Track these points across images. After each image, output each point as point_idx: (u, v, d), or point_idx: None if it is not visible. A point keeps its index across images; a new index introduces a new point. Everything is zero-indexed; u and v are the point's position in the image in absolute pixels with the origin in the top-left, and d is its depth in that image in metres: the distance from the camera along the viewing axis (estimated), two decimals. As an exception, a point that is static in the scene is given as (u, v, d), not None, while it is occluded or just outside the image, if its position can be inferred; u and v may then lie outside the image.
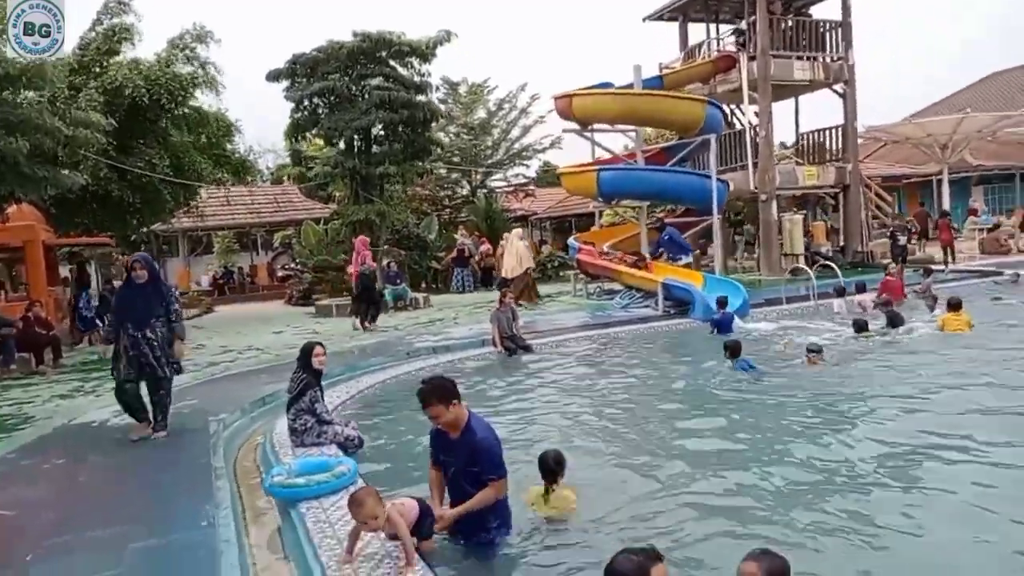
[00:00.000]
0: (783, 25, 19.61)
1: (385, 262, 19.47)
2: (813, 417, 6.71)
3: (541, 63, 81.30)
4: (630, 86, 17.92)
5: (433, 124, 24.32)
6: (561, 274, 22.87)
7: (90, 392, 9.65)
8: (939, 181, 23.19)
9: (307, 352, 6.50)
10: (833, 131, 21.01)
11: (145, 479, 5.65)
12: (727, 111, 20.28)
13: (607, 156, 19.24)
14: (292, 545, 4.42)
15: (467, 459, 4.23)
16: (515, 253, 17.04)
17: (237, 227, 30.36)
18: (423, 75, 22.93)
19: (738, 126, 21.12)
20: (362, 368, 9.93)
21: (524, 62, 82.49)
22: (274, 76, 22.49)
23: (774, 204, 19.00)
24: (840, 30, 20.13)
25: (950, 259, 18.26)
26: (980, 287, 14.87)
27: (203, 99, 17.88)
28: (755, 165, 18.97)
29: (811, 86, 20.39)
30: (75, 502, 5.27)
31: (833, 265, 15.16)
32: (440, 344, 11.45)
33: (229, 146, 20.31)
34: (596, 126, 18.17)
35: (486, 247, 23.66)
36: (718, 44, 21.76)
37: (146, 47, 32.15)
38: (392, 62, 22.58)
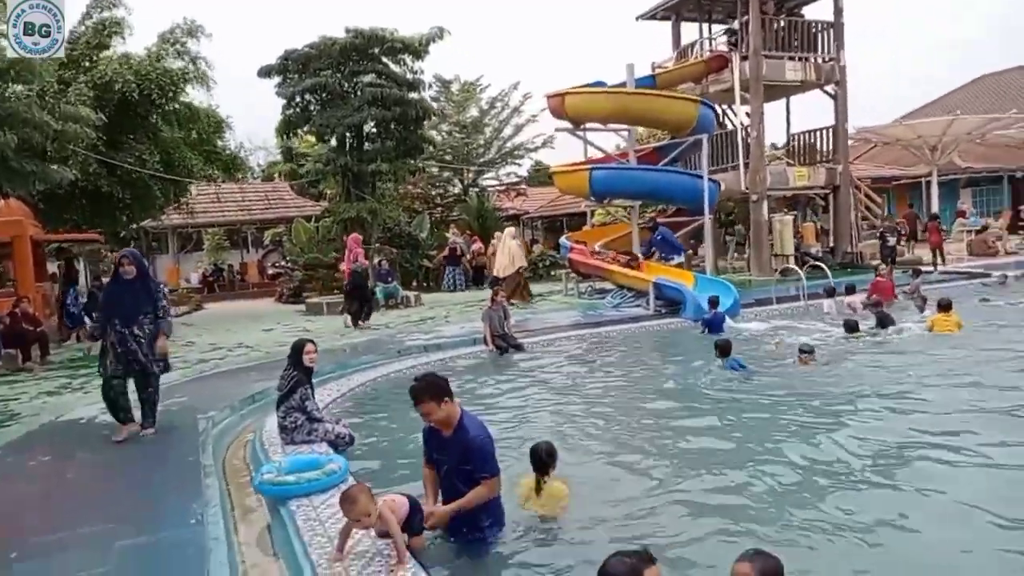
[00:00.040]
0: (775, 25, 19.69)
1: (376, 260, 19.42)
2: (804, 416, 6.73)
3: (534, 62, 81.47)
4: (623, 85, 17.94)
5: (425, 122, 24.26)
6: (552, 273, 22.87)
7: (78, 389, 9.57)
8: (928, 183, 23.36)
9: (298, 349, 6.46)
10: (824, 132, 21.11)
11: (133, 477, 5.61)
12: (719, 111, 20.33)
13: (599, 155, 19.25)
14: (282, 543, 4.39)
15: (460, 457, 4.21)
16: (507, 252, 17.02)
17: (227, 224, 30.19)
18: (416, 72, 22.87)
19: (730, 126, 21.19)
20: (353, 366, 9.90)
21: (517, 61, 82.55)
22: (266, 72, 22.36)
23: (765, 204, 19.07)
24: (832, 31, 20.21)
25: (939, 261, 18.38)
26: (968, 289, 14.96)
27: (193, 94, 17.79)
28: (746, 165, 19.03)
29: (803, 87, 20.47)
30: (62, 500, 5.22)
31: (823, 266, 15.23)
32: (431, 342, 11.42)
33: (220, 142, 20.19)
34: (588, 125, 18.17)
35: (478, 246, 23.64)
36: (711, 44, 21.83)
37: (136, 41, 32.01)
38: (385, 59, 22.50)
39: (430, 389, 4.19)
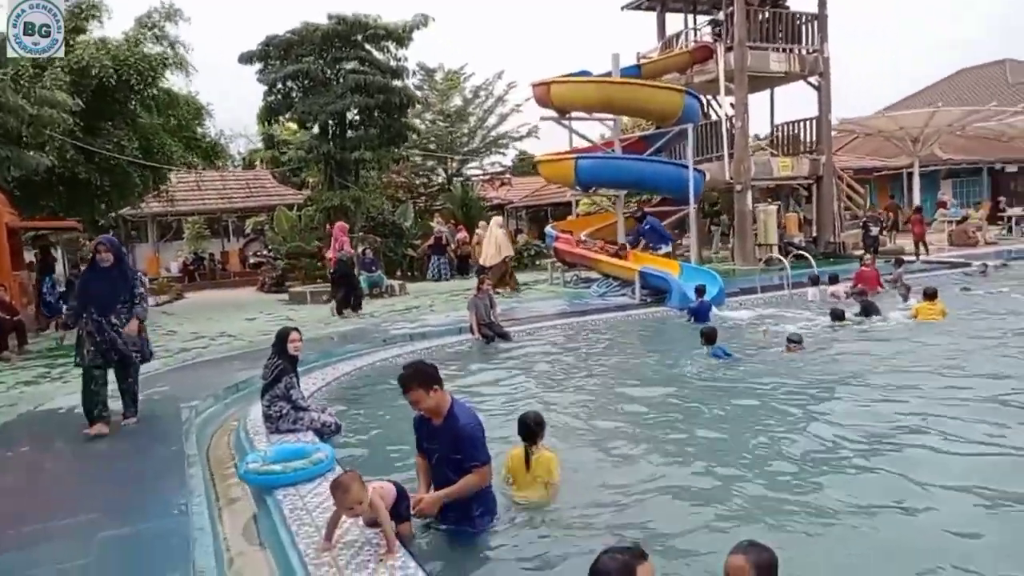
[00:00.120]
0: (760, 16, 19.67)
1: (360, 249, 19.25)
2: (792, 404, 6.75)
3: (518, 51, 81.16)
4: (608, 75, 17.87)
5: (409, 110, 24.06)
6: (538, 263, 22.82)
7: (56, 378, 9.39)
8: (909, 174, 23.55)
9: (282, 338, 6.38)
10: (807, 123, 21.19)
11: (115, 467, 5.50)
12: (704, 102, 20.33)
13: (585, 144, 19.19)
14: (268, 533, 4.33)
15: (450, 446, 4.16)
16: (494, 241, 16.94)
17: (208, 213, 29.81)
18: (399, 60, 22.65)
19: (714, 117, 21.21)
20: (338, 355, 9.81)
21: (501, 49, 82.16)
22: (247, 58, 22.04)
23: (749, 195, 19.13)
24: (816, 23, 20.25)
25: (922, 251, 18.56)
26: (950, 278, 15.12)
27: (173, 79, 17.49)
28: (731, 156, 19.06)
29: (786, 78, 20.50)
30: (41, 491, 5.12)
31: (807, 255, 15.32)
32: (417, 331, 11.34)
33: (200, 129, 19.89)
34: (574, 114, 18.10)
35: (462, 235, 23.52)
36: (695, 34, 21.81)
37: (114, 25, 31.40)
38: (368, 46, 22.25)
39: (419, 377, 4.13)
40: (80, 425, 6.32)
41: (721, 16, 20.27)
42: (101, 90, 15.65)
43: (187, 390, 7.78)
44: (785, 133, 22.07)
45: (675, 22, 22.57)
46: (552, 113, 17.88)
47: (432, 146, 31.47)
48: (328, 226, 21.72)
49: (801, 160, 20.44)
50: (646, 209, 18.62)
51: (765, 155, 21.07)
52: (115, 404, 6.53)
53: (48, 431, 6.71)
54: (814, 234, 21.10)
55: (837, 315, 10.28)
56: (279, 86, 22.19)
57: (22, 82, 12.70)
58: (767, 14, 19.87)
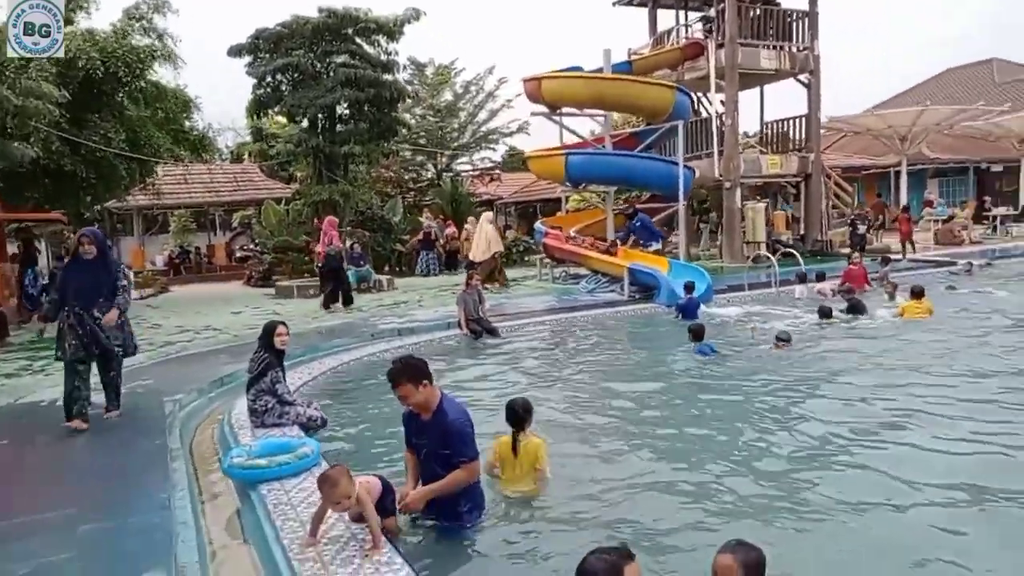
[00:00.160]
0: (751, 14, 19.71)
1: (349, 243, 19.15)
2: (779, 401, 6.76)
3: (509, 46, 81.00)
4: (599, 71, 17.86)
5: (399, 104, 23.96)
6: (527, 259, 22.79)
7: (38, 371, 9.28)
8: (896, 173, 23.68)
9: (269, 331, 6.31)
10: (797, 121, 21.26)
11: (97, 460, 5.44)
12: (694, 98, 20.35)
13: (575, 141, 19.17)
14: (252, 528, 4.28)
15: (439, 441, 4.12)
16: (484, 236, 16.87)
17: (194, 206, 29.56)
18: (390, 54, 22.55)
19: (704, 114, 21.23)
20: (324, 349, 9.75)
21: (492, 45, 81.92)
22: (236, 51, 21.88)
23: (738, 192, 19.17)
24: (807, 20, 20.31)
25: (910, 250, 18.68)
26: (935, 277, 15.21)
27: (161, 72, 17.29)
28: (720, 153, 19.09)
29: (777, 75, 20.55)
30: (22, 484, 5.05)
31: (795, 253, 15.38)
32: (405, 326, 11.29)
33: (188, 122, 19.70)
34: (564, 110, 18.08)
35: (451, 230, 23.45)
36: (687, 31, 21.82)
37: (102, 17, 31.09)
38: (358, 39, 22.14)
39: (408, 371, 4.09)
40: (61, 421, 6.22)
41: (712, 13, 20.28)
42: (88, 82, 15.45)
43: (171, 384, 7.70)
44: (774, 131, 22.13)
45: (667, 18, 22.63)
46: (543, 109, 17.85)
47: (422, 141, 31.39)
48: (316, 220, 21.59)
49: (790, 158, 20.51)
50: (637, 206, 18.63)
51: (754, 153, 21.12)
52: (98, 397, 6.46)
53: (30, 424, 6.62)
54: (802, 232, 21.19)
55: (825, 313, 10.33)
56: (268, 79, 22.06)
57: (7, 73, 12.50)
58: (758, 11, 19.91)
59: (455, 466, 4.10)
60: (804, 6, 20.50)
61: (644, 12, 22.85)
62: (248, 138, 35.58)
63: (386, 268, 22.38)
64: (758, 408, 6.56)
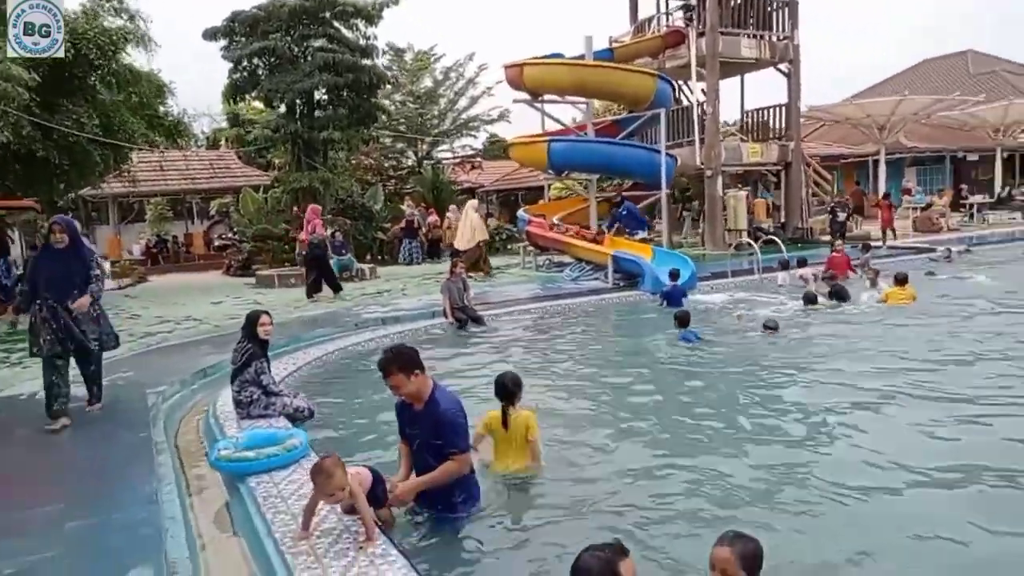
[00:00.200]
0: (732, 2, 19.70)
1: (330, 232, 18.95)
2: (768, 387, 6.80)
3: (488, 32, 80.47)
4: (580, 58, 17.77)
5: (379, 90, 23.70)
6: (509, 247, 22.72)
7: (15, 364, 9.06)
8: (875, 162, 23.90)
9: (252, 321, 6.19)
10: (777, 109, 21.34)
11: (80, 455, 5.33)
12: (675, 86, 20.34)
13: (557, 128, 19.08)
14: (242, 521, 4.21)
15: (431, 432, 4.07)
16: (469, 225, 16.76)
17: (171, 194, 29.08)
18: (368, 38, 22.27)
19: (685, 102, 21.23)
20: (308, 339, 9.63)
21: (471, 31, 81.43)
22: (211, 34, 21.48)
23: (719, 180, 19.23)
24: (787, 9, 20.34)
25: (890, 237, 18.89)
26: (915, 263, 15.39)
27: (133, 55, 16.92)
28: (702, 141, 19.12)
29: (757, 64, 20.59)
30: (3, 481, 4.91)
31: (778, 240, 15.47)
32: (389, 315, 11.20)
33: (162, 108, 19.32)
34: (546, 97, 17.98)
35: (434, 218, 23.32)
36: (667, 19, 21.76)
37: (71, -1, 30.31)
38: (336, 23, 21.85)
39: (399, 361, 4.02)
40: (41, 416, 6.03)
41: (693, 1, 20.23)
42: (58, 64, 15.04)
43: (153, 375, 7.57)
44: (755, 119, 22.21)
45: (648, 6, 22.53)
46: (525, 96, 17.74)
47: (402, 128, 31.12)
48: (296, 208, 21.35)
49: (770, 146, 20.60)
50: (623, 194, 18.62)
51: (735, 141, 21.18)
52: (79, 390, 6.31)
53: (8, 418, 6.47)
54: (782, 220, 21.33)
55: (810, 299, 10.41)
56: (245, 63, 21.70)
57: (-26, 55, 12.16)
58: (739, 0, 19.90)
59: (447, 457, 4.05)
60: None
61: (625, 0, 22.75)
62: (224, 124, 35.07)
63: (368, 257, 22.20)
64: (748, 395, 6.58)
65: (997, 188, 26.23)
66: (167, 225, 30.84)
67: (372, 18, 21.73)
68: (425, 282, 15.78)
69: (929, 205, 23.73)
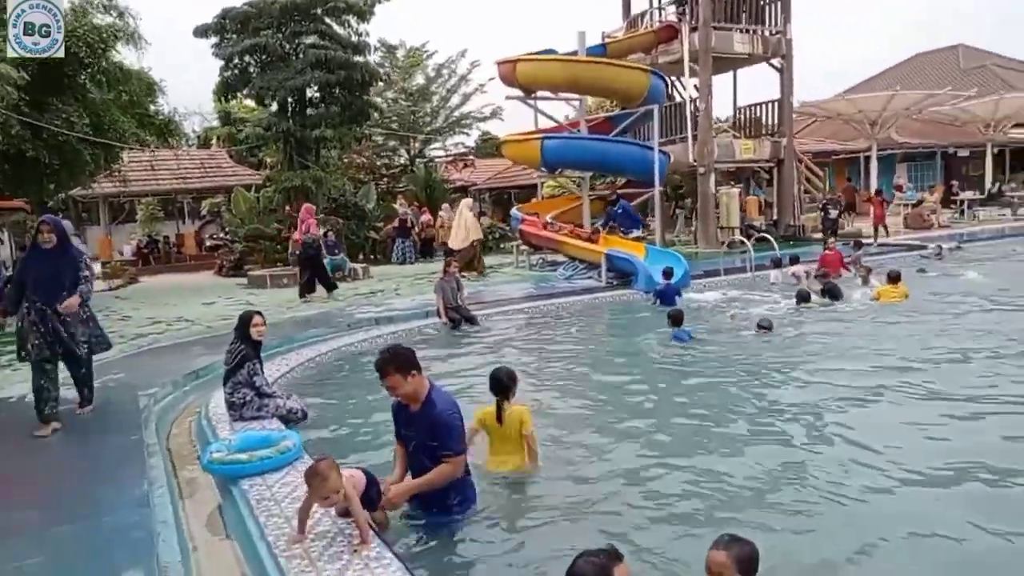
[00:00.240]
0: (724, -3, 19.69)
1: (322, 231, 18.87)
2: (762, 387, 6.79)
3: (480, 29, 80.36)
4: (573, 54, 17.73)
5: (371, 87, 23.59)
6: (502, 246, 22.68)
7: (6, 366, 8.97)
8: (867, 158, 23.94)
9: (245, 322, 6.16)
10: (769, 105, 21.35)
11: (70, 458, 5.28)
12: (668, 82, 20.33)
13: (550, 125, 19.05)
14: (235, 524, 4.18)
15: (426, 433, 4.03)
16: (463, 224, 16.69)
17: (162, 193, 28.91)
18: (360, 35, 22.15)
19: (678, 98, 21.23)
20: (301, 340, 9.58)
21: (463, 27, 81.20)
22: (202, 31, 21.33)
23: (712, 177, 19.24)
24: (779, 3, 20.34)
25: (882, 233, 18.93)
26: (906, 260, 15.43)
27: (124, 52, 16.80)
28: (695, 137, 19.11)
29: (750, 59, 20.59)
30: (-9, 484, 4.86)
31: (770, 238, 15.49)
32: (383, 315, 11.15)
33: (153, 107, 19.19)
34: (539, 94, 17.93)
35: (427, 217, 23.25)
36: (660, 14, 21.75)
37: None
38: (327, 19, 21.73)
39: (396, 361, 3.98)
40: (32, 419, 5.95)
41: (686, -5, 20.21)
42: (48, 63, 14.92)
43: (144, 377, 7.51)
44: (747, 116, 22.22)
45: (640, 1, 22.53)
46: (517, 92, 17.69)
47: (394, 125, 31.01)
48: (288, 208, 21.25)
49: (763, 143, 20.62)
50: (618, 192, 18.60)
51: (728, 137, 21.20)
52: (70, 391, 6.25)
53: (-2, 421, 6.41)
54: (774, 217, 21.36)
55: (803, 297, 10.41)
56: (236, 61, 21.54)
57: (-39, 54, 12.05)
58: (731, -6, 19.89)
59: (441, 459, 4.02)
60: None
61: (618, -5, 22.73)
62: (216, 122, 34.89)
63: (360, 256, 22.13)
64: (742, 394, 6.57)
65: (988, 184, 26.33)
66: (158, 225, 30.69)
67: (364, 14, 21.63)
68: (418, 282, 15.74)
69: (920, 202, 23.81)
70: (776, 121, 21.12)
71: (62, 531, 3.91)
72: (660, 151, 17.03)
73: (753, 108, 22.02)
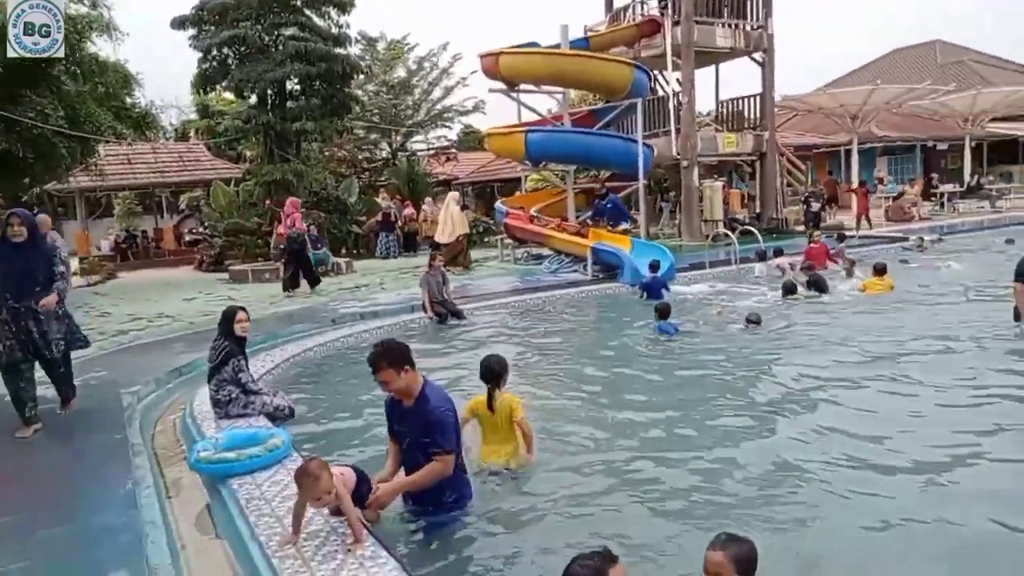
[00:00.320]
0: (706, -10, 19.69)
1: (305, 225, 18.68)
2: (750, 381, 6.78)
3: (461, 21, 79.80)
4: (556, 47, 17.67)
5: (352, 80, 23.37)
6: (486, 239, 22.59)
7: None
8: (848, 151, 24.14)
9: (229, 318, 6.03)
10: (751, 99, 21.43)
11: (53, 459, 5.16)
12: (652, 76, 20.33)
13: (534, 119, 18.98)
14: (225, 524, 4.10)
15: (419, 429, 3.97)
16: (450, 219, 16.58)
17: (139, 187, 28.42)
18: (341, 26, 21.93)
19: (661, 92, 21.24)
20: (285, 336, 9.47)
21: (444, 20, 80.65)
22: (179, 23, 21.00)
23: (695, 170, 19.28)
24: (761, -2, 20.40)
25: (865, 226, 19.10)
26: (889, 252, 15.58)
27: (100, 44, 16.48)
28: (678, 131, 19.14)
29: (732, 54, 20.63)
30: (-30, 486, 4.73)
31: (754, 231, 15.55)
32: (367, 310, 11.04)
33: (129, 99, 18.86)
34: (522, 87, 17.85)
35: (410, 211, 23.09)
36: (643, 7, 21.72)
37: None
38: (307, 11, 21.49)
39: (389, 355, 3.92)
40: (14, 415, 5.78)
41: (669, -11, 20.20)
42: (20, 54, 14.62)
43: (127, 375, 7.37)
44: (729, 109, 22.29)
45: (623, -6, 22.41)
46: (500, 85, 17.59)
47: (376, 119, 30.74)
48: (268, 201, 21.01)
49: (745, 136, 20.69)
50: (607, 186, 18.57)
51: (711, 131, 21.25)
52: (50, 390, 6.11)
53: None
54: (757, 210, 21.47)
55: (789, 289, 10.46)
56: (214, 52, 21.23)
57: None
58: (713, -12, 19.90)
59: (431, 456, 3.96)
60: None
61: (600, -12, 22.67)
62: (194, 115, 34.40)
63: (343, 251, 21.94)
64: (729, 388, 6.58)
65: (966, 177, 26.66)
66: (136, 220, 30.19)
67: (344, 6, 21.41)
68: (403, 276, 15.63)
69: (901, 194, 24.05)
70: (758, 115, 21.19)
71: (48, 534, 3.81)
72: (644, 144, 17.03)
73: (736, 102, 22.08)
